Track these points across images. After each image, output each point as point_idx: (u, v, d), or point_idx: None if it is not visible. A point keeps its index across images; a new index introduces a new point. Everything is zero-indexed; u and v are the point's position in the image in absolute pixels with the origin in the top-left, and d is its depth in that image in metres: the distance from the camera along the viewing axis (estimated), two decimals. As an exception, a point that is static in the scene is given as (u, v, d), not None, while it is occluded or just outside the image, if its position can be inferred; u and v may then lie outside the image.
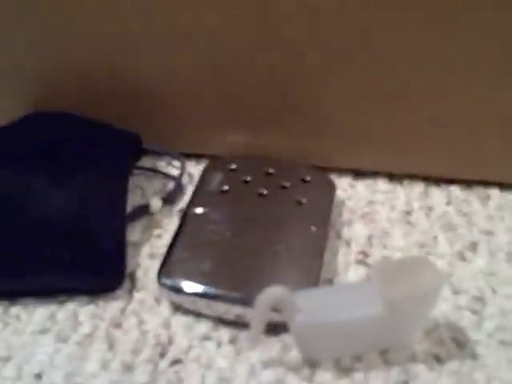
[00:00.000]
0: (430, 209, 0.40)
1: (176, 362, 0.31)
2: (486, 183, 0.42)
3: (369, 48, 0.37)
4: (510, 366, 0.31)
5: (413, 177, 0.42)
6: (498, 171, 0.41)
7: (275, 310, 0.29)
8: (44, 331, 0.32)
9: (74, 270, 0.33)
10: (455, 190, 0.41)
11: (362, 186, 0.42)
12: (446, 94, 0.38)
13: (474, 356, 0.31)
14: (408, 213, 0.40)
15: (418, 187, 0.42)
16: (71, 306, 0.33)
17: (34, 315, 0.33)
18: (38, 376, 0.30)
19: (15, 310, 0.33)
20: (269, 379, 0.30)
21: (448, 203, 0.41)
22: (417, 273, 0.30)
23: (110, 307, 0.33)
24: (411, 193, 0.41)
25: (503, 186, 0.42)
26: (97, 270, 0.34)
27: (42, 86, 0.41)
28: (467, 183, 0.42)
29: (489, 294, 0.35)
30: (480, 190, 0.41)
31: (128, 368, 0.30)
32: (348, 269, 0.36)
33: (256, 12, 0.37)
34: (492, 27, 0.36)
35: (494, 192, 0.41)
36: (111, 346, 0.31)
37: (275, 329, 0.31)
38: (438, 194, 0.41)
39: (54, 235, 0.34)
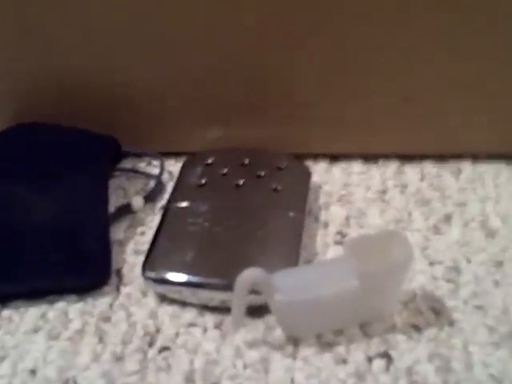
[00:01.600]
0: (405, 186, 0.41)
1: (164, 349, 0.32)
2: (458, 157, 0.43)
3: (337, 34, 0.39)
4: (485, 329, 0.32)
5: (387, 156, 0.43)
6: (469, 145, 0.43)
7: (255, 292, 0.30)
8: (36, 330, 0.33)
9: (61, 271, 0.35)
10: (428, 166, 0.43)
11: (338, 170, 0.43)
12: (410, 73, 0.40)
13: (451, 322, 0.33)
14: (383, 192, 0.41)
15: (392, 166, 0.43)
16: (61, 304, 0.34)
17: (25, 316, 0.34)
18: (33, 372, 0.31)
19: (7, 312, 0.34)
20: (254, 358, 0.31)
21: (421, 179, 0.42)
22: (388, 246, 0.31)
23: (99, 303, 0.34)
24: (386, 172, 0.43)
25: (474, 158, 0.43)
26: (83, 269, 0.35)
27: (19, 98, 0.43)
28: (439, 158, 0.43)
29: (463, 263, 0.36)
30: (452, 165, 0.43)
31: (118, 358, 0.31)
32: (327, 250, 0.37)
33: (221, 8, 0.38)
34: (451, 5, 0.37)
35: (466, 165, 0.43)
36: (101, 339, 0.32)
37: (259, 310, 0.33)
38: (411, 172, 0.42)
39: (41, 240, 0.36)
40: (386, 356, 0.31)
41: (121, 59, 0.41)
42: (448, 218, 0.39)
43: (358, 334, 0.32)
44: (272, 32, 0.39)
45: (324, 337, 0.32)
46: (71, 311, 0.34)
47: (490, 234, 0.38)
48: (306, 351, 0.32)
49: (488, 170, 0.42)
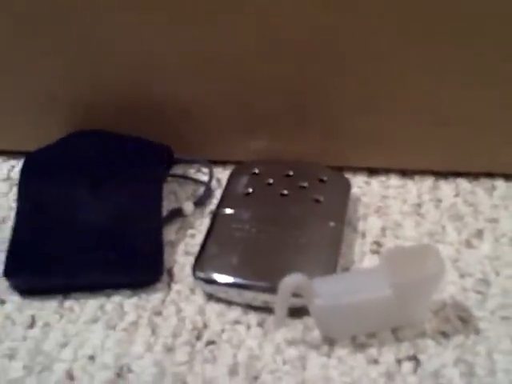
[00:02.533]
0: (439, 201, 0.44)
1: (211, 343, 0.35)
2: (492, 175, 0.45)
3: (377, 51, 0.41)
4: (510, 339, 0.34)
5: (423, 172, 0.46)
6: (503, 163, 0.45)
7: (296, 295, 0.33)
8: (95, 320, 0.36)
9: (118, 268, 0.38)
10: (462, 183, 0.45)
11: (376, 183, 0.45)
12: (445, 95, 0.42)
13: (477, 331, 0.35)
14: (419, 205, 0.43)
15: (428, 181, 0.45)
16: (117, 298, 0.38)
17: (85, 307, 0.37)
18: (92, 357, 0.34)
19: (69, 303, 0.37)
20: (293, 355, 0.34)
21: (456, 195, 0.44)
22: (422, 259, 0.33)
23: (152, 298, 0.38)
24: (422, 187, 0.45)
25: (508, 176, 0.45)
26: (138, 267, 0.38)
27: (75, 110, 0.46)
28: (474, 176, 0.45)
29: (492, 276, 0.38)
30: (486, 182, 0.45)
31: (169, 350, 0.35)
32: (363, 258, 0.40)
33: (263, 25, 0.41)
34: (487, 29, 0.39)
35: (499, 183, 0.45)
36: (154, 331, 0.36)
37: (298, 312, 0.35)
38: (446, 187, 0.45)
39: (101, 239, 0.39)
40: (414, 359, 0.33)
41: (173, 73, 0.43)
42: (480, 233, 0.41)
43: (390, 338, 0.35)
44: (313, 47, 0.41)
45: (358, 338, 0.35)
46: (126, 305, 0.37)
47: (520, 249, 0.40)
48: (341, 351, 0.34)
49: (521, 188, 0.44)
